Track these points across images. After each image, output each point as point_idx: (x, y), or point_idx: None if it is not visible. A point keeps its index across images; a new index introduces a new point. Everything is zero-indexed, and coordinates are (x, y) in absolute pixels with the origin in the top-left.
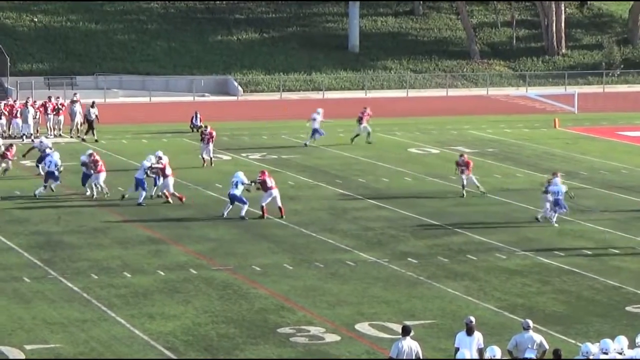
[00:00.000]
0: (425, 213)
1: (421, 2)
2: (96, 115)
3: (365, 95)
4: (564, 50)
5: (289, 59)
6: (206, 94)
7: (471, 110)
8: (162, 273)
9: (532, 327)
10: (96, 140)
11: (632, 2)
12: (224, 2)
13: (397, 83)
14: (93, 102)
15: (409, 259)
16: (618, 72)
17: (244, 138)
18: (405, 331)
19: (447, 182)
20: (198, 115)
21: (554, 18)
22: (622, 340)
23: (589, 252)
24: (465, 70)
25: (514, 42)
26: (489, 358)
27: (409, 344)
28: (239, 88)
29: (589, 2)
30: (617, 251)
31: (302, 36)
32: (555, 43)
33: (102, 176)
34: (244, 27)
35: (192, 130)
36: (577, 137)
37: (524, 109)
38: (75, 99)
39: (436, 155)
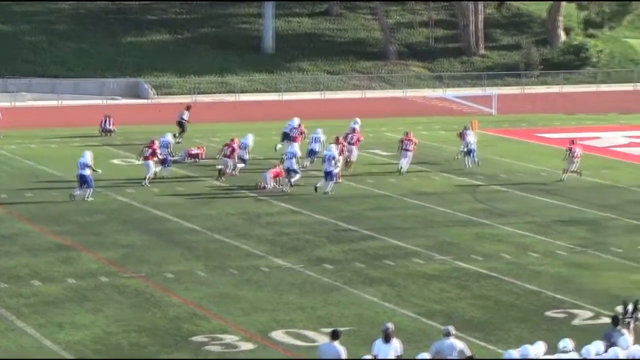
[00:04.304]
0: (342, 217)
1: (337, 2)
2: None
3: (280, 97)
4: (482, 51)
5: (202, 61)
6: (117, 97)
7: (388, 112)
8: (72, 281)
9: (453, 333)
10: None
11: (550, 2)
12: (136, 2)
13: (312, 85)
14: (188, 106)
15: (325, 264)
16: (537, 73)
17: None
18: (335, 335)
19: (363, 186)
20: (110, 120)
21: (472, 18)
22: (539, 346)
23: (508, 257)
24: (382, 71)
25: (432, 42)
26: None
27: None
28: (150, 91)
29: (507, 2)
30: (536, 255)
31: (216, 37)
32: (473, 43)
33: None
34: (156, 28)
35: (102, 135)
36: (495, 139)
37: (442, 110)
38: None
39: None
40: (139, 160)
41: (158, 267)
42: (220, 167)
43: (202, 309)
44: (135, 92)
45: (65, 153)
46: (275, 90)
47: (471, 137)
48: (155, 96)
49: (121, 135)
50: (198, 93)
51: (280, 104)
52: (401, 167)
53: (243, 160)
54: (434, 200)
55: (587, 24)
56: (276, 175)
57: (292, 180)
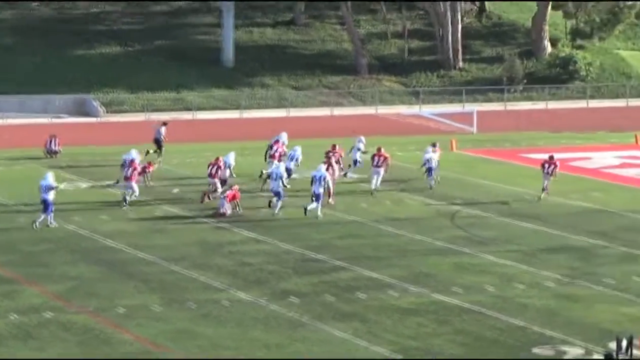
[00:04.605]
0: (309, 246)
1: (302, 10)
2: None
3: (241, 115)
4: (461, 64)
5: (156, 76)
6: (63, 115)
7: (359, 130)
8: (14, 317)
9: None
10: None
11: (535, 10)
12: (83, 8)
13: (276, 101)
14: (164, 122)
15: (291, 298)
16: (521, 88)
17: (106, 164)
18: None
19: (332, 212)
20: (56, 140)
21: (450, 28)
22: None
23: (491, 289)
24: (352, 86)
25: (406, 55)
26: None
27: None
28: (100, 108)
29: (487, 10)
30: (521, 287)
31: (171, 50)
32: (451, 56)
33: None
34: (106, 40)
35: (47, 157)
36: (476, 160)
37: (418, 129)
38: None
39: None
40: (118, 183)
41: (109, 301)
42: (176, 190)
43: (156, 347)
44: (83, 110)
45: (8, 177)
46: (236, 107)
47: (430, 155)
48: (105, 114)
49: (67, 156)
50: (151, 110)
51: (241, 122)
52: (373, 188)
53: (223, 181)
54: (409, 226)
55: (575, 34)
56: (232, 198)
57: (277, 210)
